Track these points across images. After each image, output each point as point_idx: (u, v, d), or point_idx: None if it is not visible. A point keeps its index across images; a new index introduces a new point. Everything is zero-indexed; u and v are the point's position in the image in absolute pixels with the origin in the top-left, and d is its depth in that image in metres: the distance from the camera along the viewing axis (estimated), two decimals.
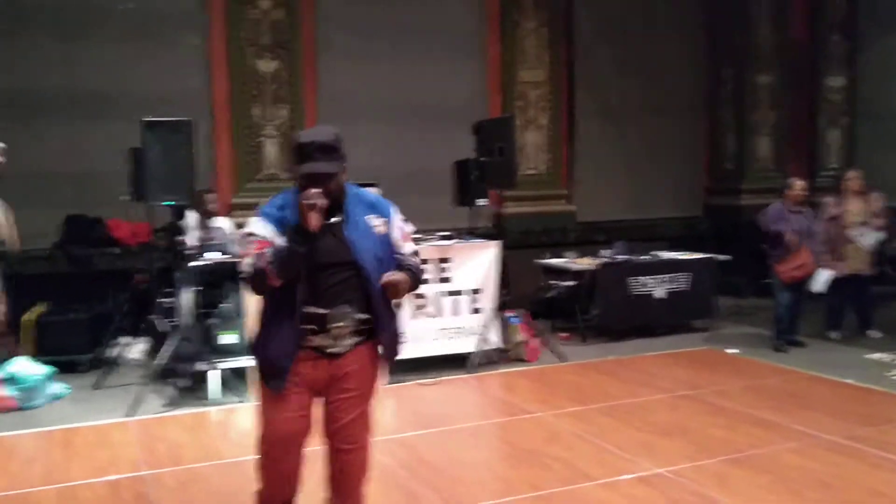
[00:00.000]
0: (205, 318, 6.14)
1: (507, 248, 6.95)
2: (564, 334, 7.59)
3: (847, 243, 7.16)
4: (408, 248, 3.05)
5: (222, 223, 7.06)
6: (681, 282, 7.73)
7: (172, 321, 5.89)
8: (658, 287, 7.61)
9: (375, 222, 2.95)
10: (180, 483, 4.22)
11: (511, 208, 8.84)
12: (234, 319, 6.09)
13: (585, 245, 8.65)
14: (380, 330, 2.94)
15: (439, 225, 7.26)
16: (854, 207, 7.23)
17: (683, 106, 10.22)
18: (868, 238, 7.16)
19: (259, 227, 2.82)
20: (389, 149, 8.37)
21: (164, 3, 7.83)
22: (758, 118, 10.08)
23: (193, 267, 5.95)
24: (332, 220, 2.81)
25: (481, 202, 7.05)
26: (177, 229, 6.29)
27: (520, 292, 7.54)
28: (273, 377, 2.88)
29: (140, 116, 5.79)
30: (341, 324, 2.86)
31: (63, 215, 7.47)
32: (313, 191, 2.71)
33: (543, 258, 8.22)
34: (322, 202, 2.71)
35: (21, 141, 7.27)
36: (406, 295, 2.95)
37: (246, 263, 2.76)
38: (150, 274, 6.43)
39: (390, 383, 6.05)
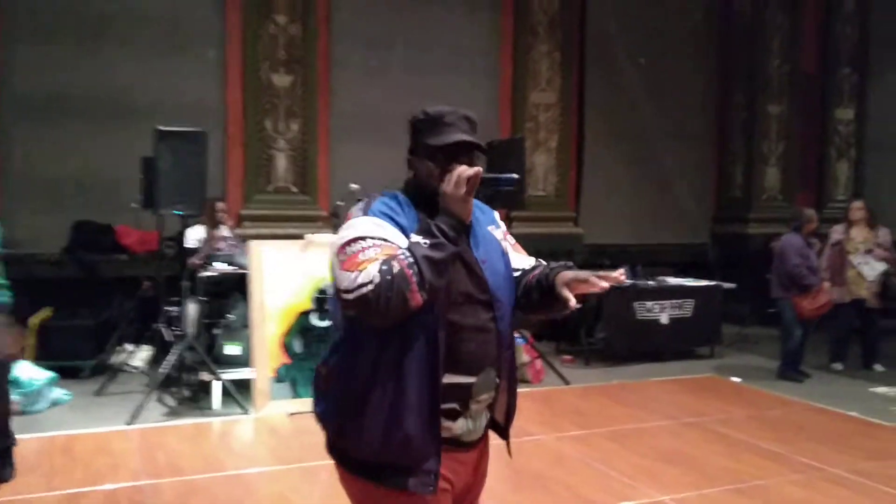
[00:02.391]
0: (210, 329, 6.15)
1: None
2: (568, 357, 7.57)
3: (849, 269, 7.20)
4: (527, 259, 2.27)
5: (229, 234, 7.10)
6: (686, 308, 7.72)
7: (177, 330, 5.89)
8: (664, 313, 7.60)
9: (497, 234, 2.19)
10: (179, 494, 4.19)
11: (518, 229, 8.83)
12: (239, 330, 6.10)
13: (592, 268, 8.61)
14: (507, 396, 2.16)
15: None
16: (858, 235, 7.27)
17: (694, 133, 10.25)
18: (871, 268, 7.17)
19: (377, 228, 1.93)
20: (400, 164, 8.34)
21: (183, 13, 7.88)
22: (767, 148, 10.11)
23: (200, 277, 5.97)
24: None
25: None
26: (185, 239, 6.32)
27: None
28: (405, 474, 1.96)
29: (154, 125, 5.83)
30: (484, 396, 2.05)
31: (73, 220, 7.49)
32: (472, 168, 1.96)
33: None
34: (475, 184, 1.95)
35: (38, 145, 7.36)
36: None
37: (367, 274, 1.82)
38: (156, 282, 6.44)
39: None
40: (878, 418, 5.79)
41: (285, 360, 5.81)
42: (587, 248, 9.38)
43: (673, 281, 8.14)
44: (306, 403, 5.72)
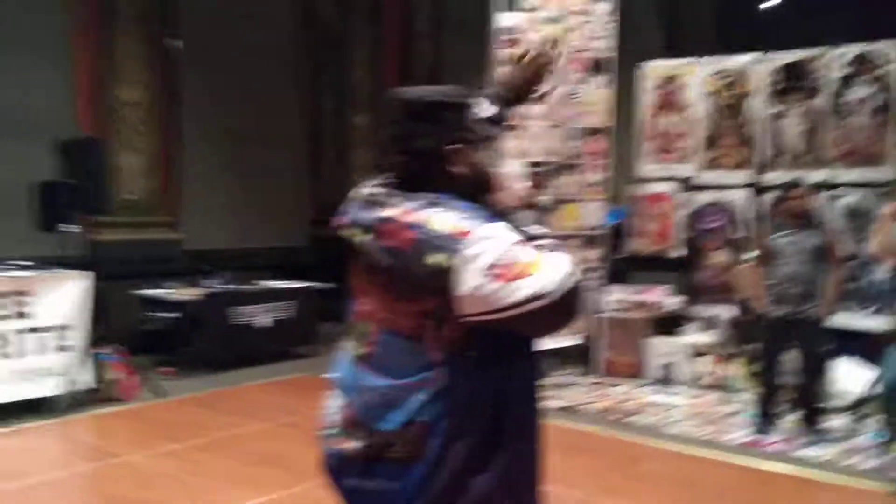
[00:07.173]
0: None
1: (103, 279, 6.45)
2: (166, 369, 7.26)
3: None
4: None
5: None
6: (283, 310, 7.89)
7: None
8: (260, 316, 7.67)
9: None
10: None
11: (107, 235, 8.22)
12: None
13: (192, 275, 8.39)
14: None
15: (16, 252, 6.51)
16: None
17: (288, 138, 10.51)
18: None
19: (505, 231, 1.61)
20: None
21: None
22: (356, 155, 10.76)
23: None
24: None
25: (69, 228, 6.46)
26: None
27: (119, 327, 7.05)
28: None
29: None
30: None
31: None
32: None
33: (144, 289, 7.80)
34: None
35: None
36: None
37: (558, 266, 1.53)
38: None
39: None
40: None
41: None
42: (186, 255, 9.07)
43: (269, 284, 8.26)
44: None
